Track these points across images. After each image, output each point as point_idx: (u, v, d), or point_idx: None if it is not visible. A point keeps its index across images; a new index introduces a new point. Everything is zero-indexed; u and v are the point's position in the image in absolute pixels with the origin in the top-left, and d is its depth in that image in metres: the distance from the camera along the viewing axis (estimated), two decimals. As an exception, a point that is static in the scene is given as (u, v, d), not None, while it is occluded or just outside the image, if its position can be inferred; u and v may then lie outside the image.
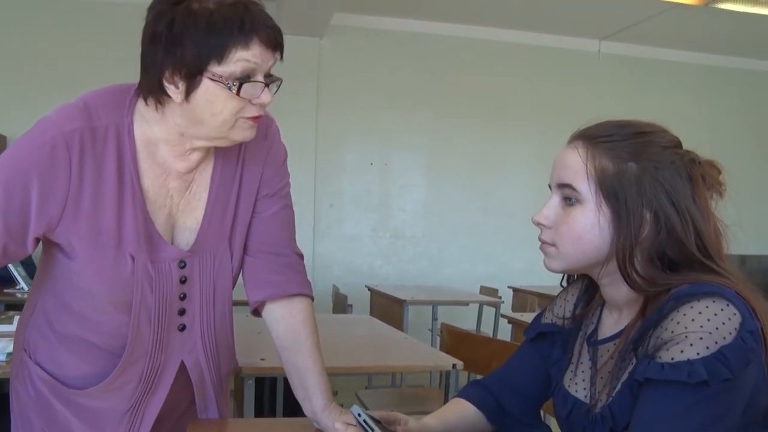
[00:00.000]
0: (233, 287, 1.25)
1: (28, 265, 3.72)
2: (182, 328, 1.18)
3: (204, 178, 1.17)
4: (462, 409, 1.14)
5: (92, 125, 1.04)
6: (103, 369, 1.14)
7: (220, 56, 0.98)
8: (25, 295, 3.40)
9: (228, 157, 1.19)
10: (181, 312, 1.17)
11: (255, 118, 1.06)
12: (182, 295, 1.17)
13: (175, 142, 1.09)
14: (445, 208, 5.84)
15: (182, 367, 1.20)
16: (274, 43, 1.03)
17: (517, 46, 5.93)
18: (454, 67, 5.81)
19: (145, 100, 1.06)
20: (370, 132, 5.67)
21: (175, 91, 1.01)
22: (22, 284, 3.58)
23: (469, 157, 5.86)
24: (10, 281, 3.65)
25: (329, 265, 5.56)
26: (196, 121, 1.04)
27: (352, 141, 5.64)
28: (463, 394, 1.17)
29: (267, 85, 1.04)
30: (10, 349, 1.82)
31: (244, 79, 1.01)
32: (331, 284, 4.97)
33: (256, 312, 1.29)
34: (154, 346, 1.15)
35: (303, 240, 5.09)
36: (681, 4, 4.84)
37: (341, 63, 5.55)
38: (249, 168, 1.22)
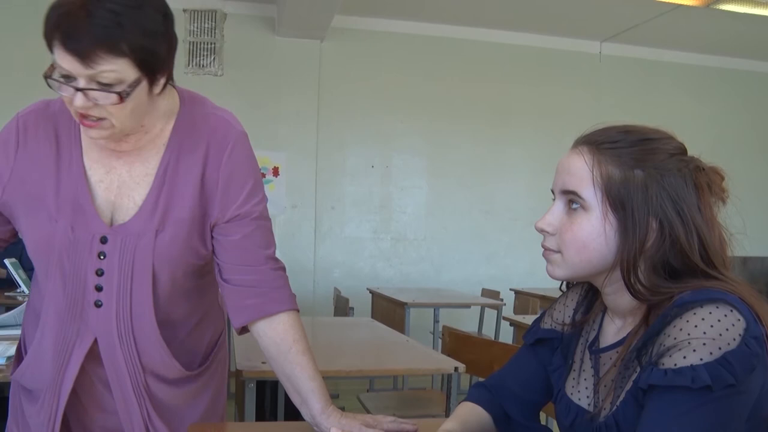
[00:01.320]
0: (162, 281, 1.21)
1: (30, 269, 3.72)
2: (98, 304, 1.18)
3: (147, 167, 1.19)
4: (477, 413, 1.11)
5: (47, 108, 1.18)
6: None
7: (49, 46, 1.02)
8: (26, 299, 3.40)
9: (178, 153, 1.20)
10: (99, 288, 1.18)
11: (83, 121, 1.07)
12: (99, 271, 1.17)
13: None
14: (447, 210, 5.84)
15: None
16: (70, 50, 0.99)
17: (518, 47, 5.94)
18: (455, 69, 5.81)
19: None
20: (372, 134, 5.67)
21: None
22: (23, 288, 3.58)
23: (470, 159, 5.86)
24: (12, 285, 3.64)
25: (331, 268, 5.56)
26: None
27: (353, 143, 5.64)
28: (472, 398, 1.15)
29: (81, 90, 1.02)
30: (11, 352, 1.82)
31: (58, 76, 1.03)
32: (333, 287, 4.97)
33: (243, 332, 1.29)
34: (67, 314, 1.17)
35: (304, 242, 5.09)
36: (682, 5, 4.84)
37: (342, 65, 5.55)
38: (196, 169, 1.20)
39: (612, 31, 5.81)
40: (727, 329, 0.77)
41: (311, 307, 5.13)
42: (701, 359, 0.76)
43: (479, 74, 5.87)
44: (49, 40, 1.01)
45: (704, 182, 0.88)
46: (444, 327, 2.57)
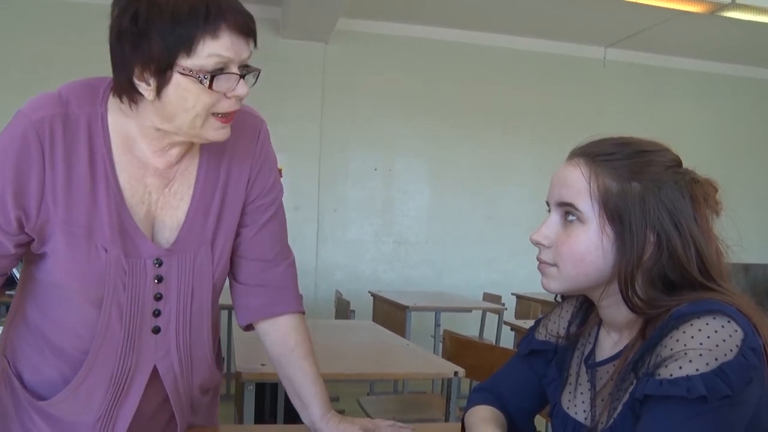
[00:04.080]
0: (218, 294, 1.21)
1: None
2: (156, 330, 1.12)
3: (187, 178, 1.13)
4: (499, 414, 1.10)
5: (64, 112, 1.02)
6: (74, 373, 1.10)
7: (189, 48, 0.94)
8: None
9: (213, 157, 1.15)
10: (156, 313, 1.12)
11: (226, 118, 1.01)
12: (157, 295, 1.11)
13: (152, 136, 1.05)
14: (449, 214, 5.83)
15: (155, 376, 1.14)
16: (245, 29, 0.97)
17: (523, 52, 5.93)
18: (460, 74, 5.81)
19: (120, 98, 1.02)
20: (375, 137, 5.67)
21: (146, 88, 0.97)
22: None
23: (473, 163, 5.86)
24: (13, 283, 3.64)
25: (332, 271, 5.55)
26: (169, 118, 1.00)
27: (356, 146, 5.64)
28: (482, 401, 1.13)
29: (242, 76, 0.99)
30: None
31: (217, 71, 0.96)
32: (334, 289, 4.96)
33: (249, 329, 1.28)
34: (124, 347, 1.09)
35: (306, 245, 5.10)
36: (687, 12, 4.84)
37: (346, 68, 5.55)
38: (236, 169, 1.18)
39: (616, 37, 5.80)
40: (724, 340, 0.77)
41: (312, 309, 5.11)
42: (697, 370, 0.76)
43: (483, 79, 5.86)
44: (205, 32, 0.93)
45: (700, 194, 0.87)
46: (445, 331, 2.57)
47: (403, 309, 3.96)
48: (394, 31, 5.66)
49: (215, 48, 0.94)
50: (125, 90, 1.00)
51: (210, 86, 0.96)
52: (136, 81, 0.97)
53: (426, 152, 5.80)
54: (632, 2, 4.62)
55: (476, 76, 5.85)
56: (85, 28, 4.94)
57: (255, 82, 1.03)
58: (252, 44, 1.00)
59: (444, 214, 5.83)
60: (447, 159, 5.82)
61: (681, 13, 4.91)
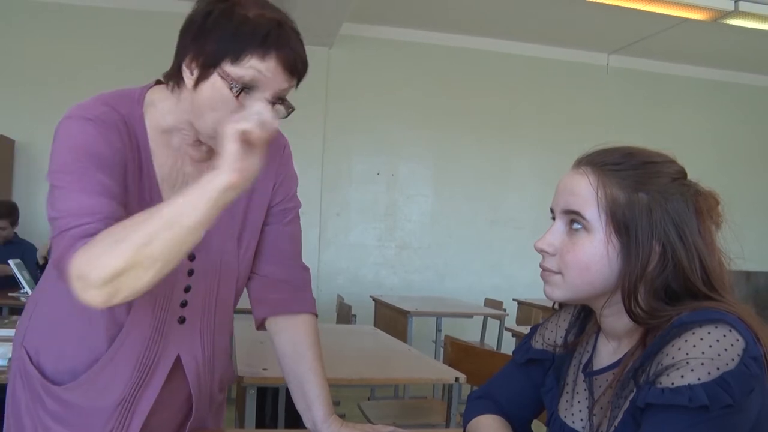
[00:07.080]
0: (240, 290, 1.25)
1: (33, 270, 3.73)
2: (182, 320, 1.17)
3: None
4: (509, 427, 1.10)
5: (110, 110, 1.08)
6: (99, 358, 1.12)
7: (236, 57, 1.01)
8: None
9: None
10: (183, 304, 1.17)
11: None
12: (186, 287, 1.16)
13: (187, 131, 1.12)
14: (452, 219, 5.84)
15: (179, 368, 1.17)
16: (292, 67, 1.05)
17: (526, 58, 5.95)
18: (463, 78, 5.82)
19: (167, 83, 1.10)
20: (378, 142, 5.68)
21: (189, 76, 1.04)
22: (27, 288, 3.58)
23: (476, 169, 5.87)
24: (15, 285, 3.65)
25: (334, 275, 5.56)
26: (198, 113, 1.06)
27: (359, 150, 5.65)
28: (485, 410, 1.13)
29: (273, 104, 1.04)
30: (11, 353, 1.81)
31: (250, 87, 1.03)
32: (336, 294, 4.96)
33: (261, 326, 1.30)
34: (152, 333, 1.14)
35: (308, 248, 5.10)
36: (690, 19, 4.84)
37: (350, 73, 5.57)
38: (263, 174, 1.20)
39: (620, 44, 5.81)
40: (725, 349, 0.77)
41: (314, 313, 5.11)
42: (699, 379, 0.76)
43: (487, 84, 5.88)
44: (254, 52, 1.01)
45: (704, 207, 0.87)
46: (446, 337, 2.57)
47: (405, 314, 3.96)
48: (398, 36, 5.67)
49: (258, 65, 1.02)
50: (174, 74, 1.08)
51: (237, 96, 1.02)
52: (184, 67, 1.05)
53: (429, 157, 5.81)
54: (636, 9, 4.63)
55: (480, 81, 5.86)
56: (91, 33, 4.96)
57: (286, 116, 1.09)
58: (295, 83, 1.08)
59: (446, 218, 5.84)
60: (450, 164, 5.83)
61: (684, 21, 4.92)
